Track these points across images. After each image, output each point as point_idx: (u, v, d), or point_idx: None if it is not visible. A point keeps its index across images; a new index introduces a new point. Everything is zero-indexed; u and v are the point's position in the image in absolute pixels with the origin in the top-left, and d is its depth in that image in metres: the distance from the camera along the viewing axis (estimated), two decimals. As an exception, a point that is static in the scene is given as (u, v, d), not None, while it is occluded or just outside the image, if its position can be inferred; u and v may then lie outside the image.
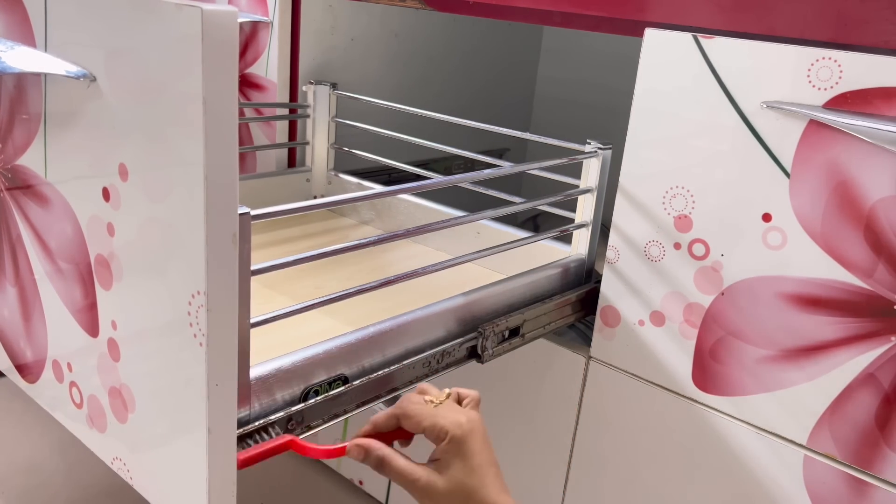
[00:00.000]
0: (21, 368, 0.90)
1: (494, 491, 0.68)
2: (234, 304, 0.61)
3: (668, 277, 0.93)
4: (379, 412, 0.73)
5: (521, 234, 1.12)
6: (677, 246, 0.92)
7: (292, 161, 1.41)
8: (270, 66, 1.33)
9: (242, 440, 0.66)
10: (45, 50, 0.71)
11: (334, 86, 1.33)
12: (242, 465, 0.65)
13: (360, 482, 1.43)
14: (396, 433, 0.72)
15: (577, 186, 1.03)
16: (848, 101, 0.77)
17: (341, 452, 0.70)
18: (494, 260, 1.02)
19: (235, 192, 0.58)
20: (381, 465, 0.69)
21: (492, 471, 0.69)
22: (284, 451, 0.68)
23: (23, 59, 0.70)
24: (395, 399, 0.81)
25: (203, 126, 0.55)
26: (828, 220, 0.80)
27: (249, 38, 1.35)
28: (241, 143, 1.39)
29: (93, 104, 0.66)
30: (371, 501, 1.43)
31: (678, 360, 0.94)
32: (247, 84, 1.37)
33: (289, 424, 0.69)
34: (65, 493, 1.41)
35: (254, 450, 0.66)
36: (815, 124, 0.79)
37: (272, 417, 0.68)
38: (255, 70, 1.35)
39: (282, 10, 1.30)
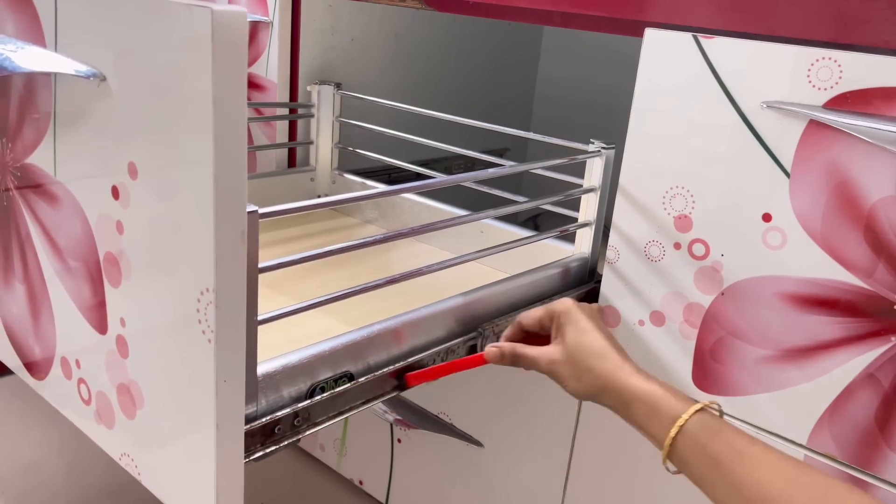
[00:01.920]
0: (29, 366, 0.90)
1: (608, 346, 0.76)
2: (243, 301, 0.61)
3: (668, 277, 0.93)
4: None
5: (524, 233, 1.12)
6: (677, 246, 0.92)
7: (292, 161, 1.41)
8: (271, 66, 1.34)
9: (249, 436, 0.66)
10: (55, 50, 0.72)
11: (339, 86, 1.33)
12: (410, 382, 0.79)
13: (361, 482, 1.43)
14: (534, 340, 0.83)
15: (578, 185, 1.03)
16: (848, 101, 0.77)
17: (481, 359, 0.82)
18: (498, 259, 1.02)
19: (244, 190, 0.59)
20: (515, 358, 0.80)
21: (603, 332, 0.77)
22: (440, 374, 0.81)
23: (32, 58, 0.71)
24: (395, 399, 0.82)
25: (212, 125, 0.56)
26: (828, 220, 0.80)
27: (250, 38, 1.35)
28: (244, 143, 1.41)
29: (102, 104, 0.67)
30: (371, 501, 1.43)
31: (678, 360, 0.95)
32: (247, 84, 1.37)
33: (295, 421, 0.70)
34: (65, 493, 1.41)
35: (421, 373, 0.80)
36: (815, 124, 0.79)
37: (279, 414, 0.68)
38: (256, 70, 1.36)
39: (282, 10, 1.30)
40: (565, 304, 0.81)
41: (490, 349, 0.81)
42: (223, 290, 0.59)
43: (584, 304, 0.81)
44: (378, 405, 0.79)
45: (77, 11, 0.68)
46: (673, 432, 0.67)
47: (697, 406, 0.68)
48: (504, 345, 0.81)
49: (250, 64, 1.36)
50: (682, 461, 0.67)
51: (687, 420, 0.67)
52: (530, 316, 0.83)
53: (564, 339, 0.78)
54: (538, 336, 0.84)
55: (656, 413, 0.70)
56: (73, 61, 0.67)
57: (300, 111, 1.37)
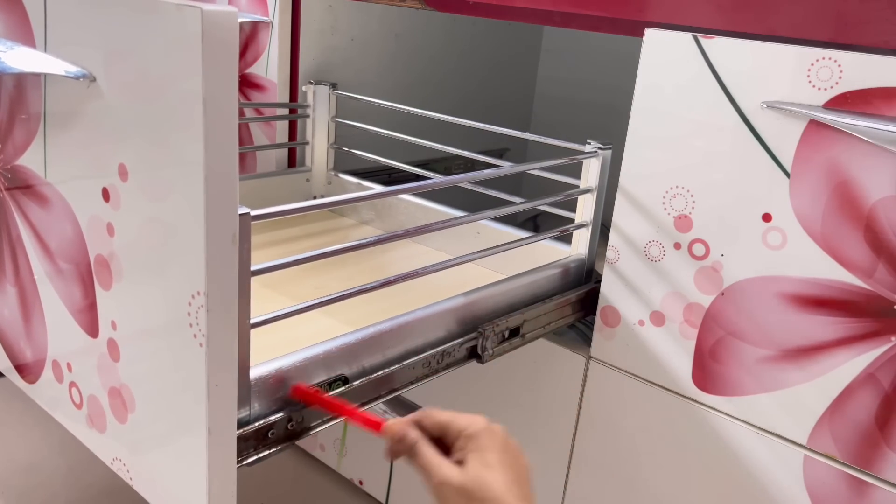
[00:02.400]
0: (21, 369, 0.90)
1: (509, 492, 0.64)
2: (234, 304, 0.61)
3: (668, 277, 0.93)
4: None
5: (522, 234, 1.12)
6: (677, 246, 0.92)
7: (292, 161, 1.41)
8: (270, 66, 1.33)
9: (242, 441, 0.66)
10: (45, 50, 0.71)
11: (334, 86, 1.33)
12: (294, 393, 0.70)
13: (361, 482, 1.43)
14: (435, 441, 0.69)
15: (577, 186, 1.03)
16: (848, 101, 0.77)
17: (378, 427, 0.70)
18: (495, 260, 1.02)
19: (235, 192, 0.58)
20: (412, 451, 0.67)
21: (509, 474, 0.65)
22: (332, 410, 0.71)
23: (22, 59, 0.70)
24: (395, 399, 0.81)
25: (203, 126, 0.55)
26: (828, 220, 0.80)
27: (249, 38, 1.35)
28: (241, 143, 1.40)
29: (92, 104, 0.66)
30: (371, 501, 1.43)
31: (678, 360, 0.94)
32: (247, 84, 1.37)
33: (289, 425, 0.69)
34: (65, 493, 1.41)
35: (312, 390, 0.70)
36: (815, 124, 0.79)
37: (272, 418, 0.68)
38: (255, 70, 1.35)
39: (282, 10, 1.30)
40: (476, 426, 0.67)
41: (394, 425, 0.69)
42: (214, 294, 0.59)
43: (498, 431, 0.68)
44: (378, 405, 0.79)
45: (67, 11, 0.68)
46: None
47: None
48: (410, 431, 0.68)
49: (250, 64, 1.36)
50: None
51: None
52: (434, 419, 0.69)
53: (466, 467, 0.65)
54: (439, 440, 0.70)
55: None
56: (63, 62, 0.67)
57: (296, 111, 1.36)
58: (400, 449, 0.68)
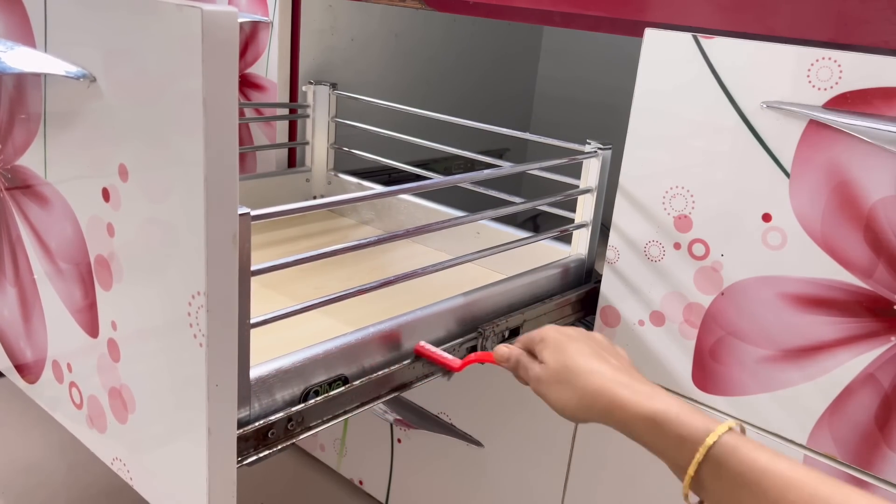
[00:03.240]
0: (21, 369, 0.90)
1: (584, 359, 0.71)
2: (234, 304, 0.61)
3: (668, 277, 0.93)
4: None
5: (521, 234, 1.12)
6: (677, 246, 0.92)
7: (292, 161, 1.41)
8: (270, 66, 1.33)
9: (242, 441, 0.66)
10: (45, 50, 0.71)
11: (334, 86, 1.33)
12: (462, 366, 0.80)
13: (360, 482, 1.43)
14: None
15: (577, 186, 1.03)
16: (848, 101, 0.77)
17: (491, 358, 0.80)
18: (494, 260, 1.02)
19: (235, 192, 0.58)
20: (517, 365, 0.77)
21: (590, 347, 0.73)
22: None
23: (22, 59, 0.70)
24: (395, 400, 0.81)
25: (203, 126, 0.55)
26: (828, 220, 0.80)
27: (249, 38, 1.35)
28: (241, 143, 1.40)
29: (93, 104, 0.66)
30: (371, 501, 1.43)
31: (678, 360, 0.94)
32: (247, 84, 1.37)
33: (289, 425, 0.69)
34: (65, 493, 1.41)
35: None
36: (815, 124, 0.79)
37: (272, 418, 0.68)
38: (255, 70, 1.35)
39: (282, 10, 1.30)
40: (542, 332, 0.77)
41: (499, 350, 0.79)
42: (214, 294, 0.59)
43: (558, 329, 0.77)
44: (378, 405, 0.79)
45: (67, 12, 0.68)
46: (699, 456, 0.59)
47: (723, 428, 0.60)
48: (514, 349, 0.78)
49: (250, 64, 1.36)
50: (705, 489, 0.60)
51: (712, 445, 0.59)
52: (521, 341, 0.79)
53: (546, 363, 0.73)
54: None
55: (670, 435, 0.62)
56: (64, 62, 0.67)
57: (297, 111, 1.36)
58: (509, 367, 0.78)
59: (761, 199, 0.84)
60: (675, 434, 0.62)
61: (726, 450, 0.58)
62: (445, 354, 0.82)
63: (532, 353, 0.77)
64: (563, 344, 0.73)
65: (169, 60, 0.57)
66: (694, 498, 0.61)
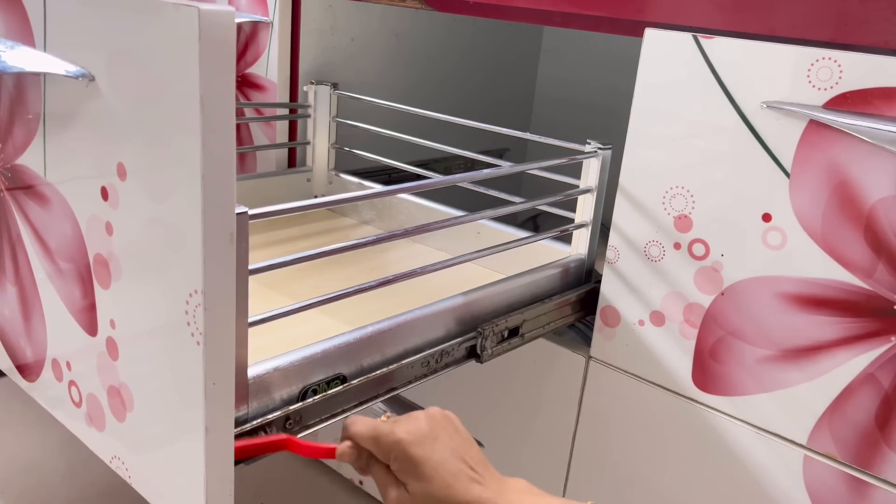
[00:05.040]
0: (21, 368, 0.90)
1: (462, 487, 0.63)
2: (232, 303, 0.61)
3: (668, 277, 0.93)
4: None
5: (521, 233, 1.12)
6: (677, 246, 0.91)
7: (293, 161, 1.41)
8: (270, 66, 1.33)
9: (240, 439, 0.66)
10: (44, 50, 0.71)
11: (335, 86, 1.33)
12: (238, 453, 0.64)
13: (360, 482, 1.43)
14: None
15: (577, 186, 1.03)
16: (848, 101, 0.77)
17: (331, 453, 0.69)
18: (494, 260, 1.02)
19: (233, 191, 0.58)
20: (367, 468, 0.68)
21: (454, 464, 0.64)
22: (280, 449, 0.67)
23: (22, 58, 0.70)
24: (394, 399, 0.81)
25: (200, 126, 0.55)
26: (828, 220, 0.80)
27: (249, 38, 1.35)
28: (241, 143, 1.40)
29: (91, 104, 0.66)
30: (371, 501, 1.43)
31: (678, 360, 0.94)
32: (247, 84, 1.37)
33: (286, 424, 0.69)
34: (65, 493, 1.41)
35: (251, 441, 0.66)
36: (815, 124, 0.79)
37: (270, 417, 0.68)
38: (255, 70, 1.35)
39: (282, 10, 1.30)
40: (400, 443, 0.65)
41: (346, 447, 0.69)
42: (212, 293, 0.59)
43: (425, 428, 0.66)
44: (378, 405, 0.78)
45: (66, 11, 0.68)
46: None
47: None
48: (360, 455, 0.69)
49: (250, 64, 1.36)
50: None
51: None
52: (360, 432, 0.68)
53: (410, 487, 0.65)
54: None
55: None
56: (63, 61, 0.67)
57: (297, 111, 1.36)
58: (358, 465, 0.69)
59: (761, 199, 0.84)
60: None
61: None
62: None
63: (384, 463, 0.67)
64: (422, 464, 0.64)
65: (167, 59, 0.57)
66: None
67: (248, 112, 1.37)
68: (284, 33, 1.32)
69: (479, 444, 1.12)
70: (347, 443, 0.69)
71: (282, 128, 1.37)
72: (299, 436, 0.70)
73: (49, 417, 0.87)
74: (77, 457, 1.48)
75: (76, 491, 1.42)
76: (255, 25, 1.33)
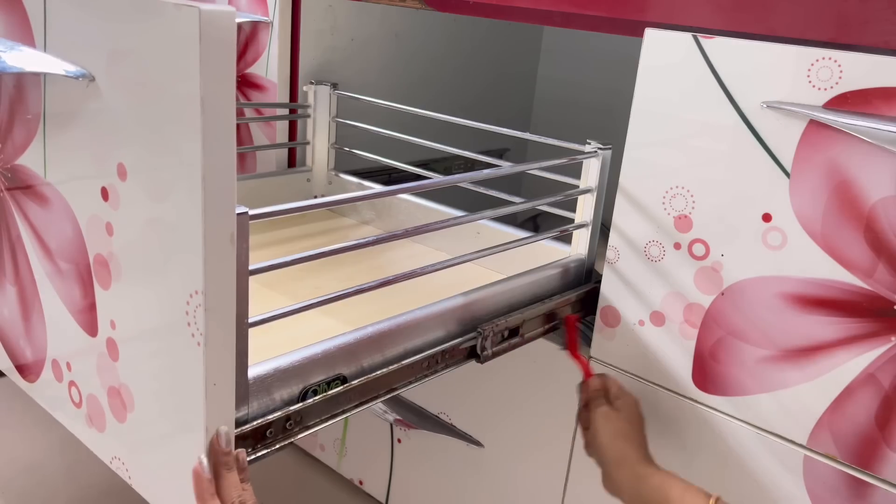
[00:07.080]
0: (21, 368, 0.90)
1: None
2: (232, 303, 0.61)
3: (668, 277, 0.93)
4: None
5: (521, 234, 1.12)
6: (677, 246, 0.91)
7: (293, 161, 1.41)
8: (270, 66, 1.33)
9: (240, 440, 0.66)
10: (45, 50, 0.71)
11: (335, 86, 1.33)
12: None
13: (361, 482, 1.43)
14: None
15: (577, 186, 1.02)
16: (848, 101, 0.77)
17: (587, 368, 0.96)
18: (494, 260, 1.02)
19: (233, 191, 0.58)
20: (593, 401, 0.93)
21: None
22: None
23: (22, 58, 0.70)
24: (394, 399, 0.81)
25: (201, 126, 0.55)
26: (828, 220, 0.80)
27: (249, 38, 1.35)
28: (241, 143, 1.40)
29: (92, 104, 0.66)
30: (371, 501, 1.43)
31: (678, 360, 0.94)
32: (247, 84, 1.37)
33: (287, 424, 0.69)
34: (65, 493, 1.41)
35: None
36: (815, 124, 0.79)
37: (270, 417, 0.68)
38: (255, 70, 1.35)
39: (282, 10, 1.30)
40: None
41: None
42: (212, 293, 0.59)
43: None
44: (378, 405, 0.78)
45: (66, 11, 0.68)
46: None
47: None
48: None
49: (250, 64, 1.36)
50: None
51: None
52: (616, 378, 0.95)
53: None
54: None
55: None
56: (63, 61, 0.67)
57: (297, 111, 1.36)
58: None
59: (761, 199, 0.84)
60: None
61: None
62: None
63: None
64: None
65: (167, 60, 0.57)
66: None
67: (248, 112, 1.37)
68: (284, 33, 1.32)
69: (479, 444, 1.13)
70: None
71: (282, 128, 1.37)
72: (299, 437, 0.70)
73: (49, 417, 0.87)
74: (77, 457, 1.48)
75: (76, 491, 1.42)
76: (255, 25, 1.33)
